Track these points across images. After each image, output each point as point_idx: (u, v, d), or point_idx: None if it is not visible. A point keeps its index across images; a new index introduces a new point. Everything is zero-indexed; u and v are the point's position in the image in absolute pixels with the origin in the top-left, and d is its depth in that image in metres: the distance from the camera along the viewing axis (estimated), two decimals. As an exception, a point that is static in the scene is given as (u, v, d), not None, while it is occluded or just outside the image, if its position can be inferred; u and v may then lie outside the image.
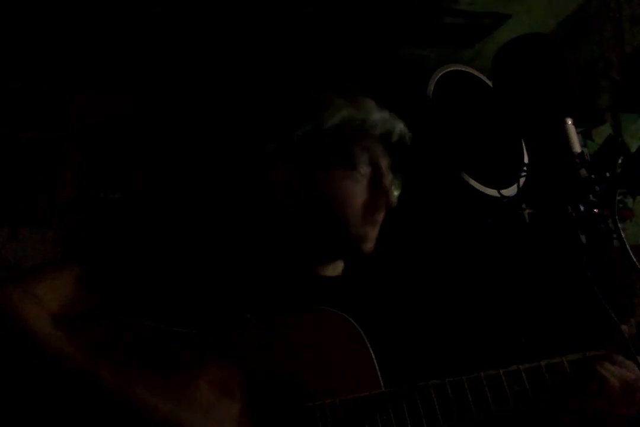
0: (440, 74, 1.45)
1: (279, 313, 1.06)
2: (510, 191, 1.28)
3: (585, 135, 2.34)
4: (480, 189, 1.43)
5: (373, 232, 1.17)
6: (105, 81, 2.90)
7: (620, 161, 1.06)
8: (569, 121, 1.10)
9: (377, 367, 1.01)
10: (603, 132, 2.36)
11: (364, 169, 1.15)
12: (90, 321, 1.05)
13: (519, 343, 1.66)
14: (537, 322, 1.69)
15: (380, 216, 1.17)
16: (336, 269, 1.25)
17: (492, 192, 1.41)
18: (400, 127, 1.18)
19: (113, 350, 0.99)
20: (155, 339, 1.03)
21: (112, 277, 1.09)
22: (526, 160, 1.19)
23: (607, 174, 1.03)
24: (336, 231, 1.15)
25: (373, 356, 1.01)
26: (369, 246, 1.17)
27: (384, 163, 1.18)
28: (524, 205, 1.09)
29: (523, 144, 1.27)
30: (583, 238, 1.04)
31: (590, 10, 2.57)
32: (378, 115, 1.17)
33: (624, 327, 1.03)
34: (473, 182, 1.42)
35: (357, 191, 1.15)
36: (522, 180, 1.17)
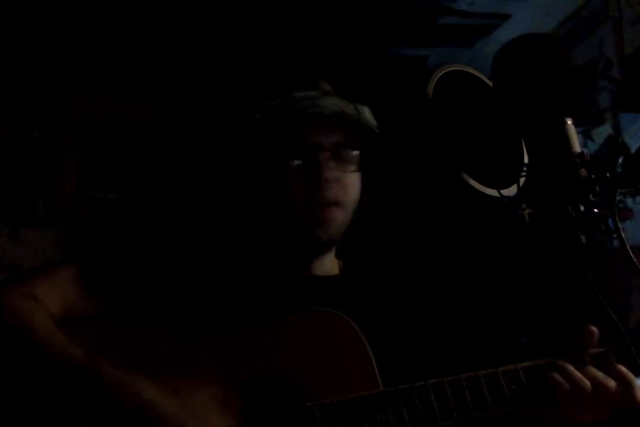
0: (440, 74, 1.45)
1: (278, 313, 1.06)
2: (510, 191, 1.28)
3: (585, 135, 2.34)
4: (480, 189, 1.42)
5: (324, 215, 1.14)
6: (105, 81, 2.90)
7: (620, 161, 1.06)
8: (569, 121, 1.11)
9: (375, 366, 1.01)
10: (603, 132, 2.36)
11: (297, 153, 1.14)
12: (91, 321, 1.05)
13: (519, 343, 1.66)
14: (537, 322, 1.69)
15: (322, 195, 1.13)
16: (334, 268, 1.25)
17: (492, 192, 1.41)
18: (331, 104, 1.14)
19: (113, 350, 0.99)
20: (154, 340, 1.03)
21: (112, 278, 1.09)
22: (526, 160, 1.20)
23: (607, 174, 1.03)
24: (291, 220, 1.15)
25: (371, 356, 1.01)
26: (321, 231, 1.14)
27: (327, 140, 1.16)
28: (524, 205, 1.09)
29: (523, 144, 1.27)
30: (583, 238, 1.04)
31: (590, 10, 2.57)
32: (301, 94, 1.15)
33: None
34: (473, 182, 1.42)
35: (291, 177, 1.14)
36: (522, 180, 1.17)
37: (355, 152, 1.18)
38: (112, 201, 2.91)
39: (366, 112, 1.18)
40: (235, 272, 1.14)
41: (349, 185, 1.17)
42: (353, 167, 1.18)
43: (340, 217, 1.16)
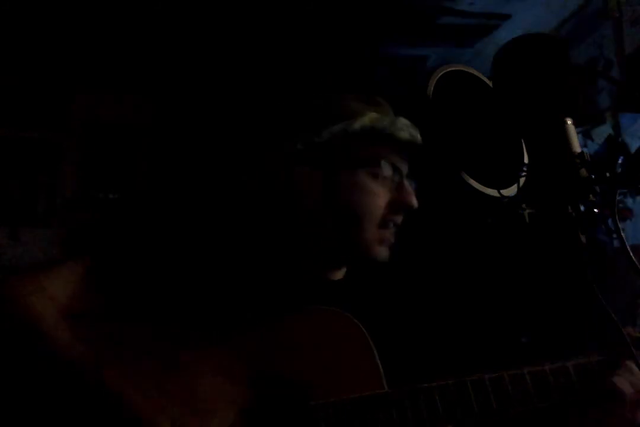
0: (440, 74, 1.44)
1: (282, 313, 1.06)
2: (510, 191, 1.28)
3: (585, 135, 2.34)
4: (480, 189, 1.42)
5: (388, 237, 1.16)
6: (105, 81, 2.90)
7: (620, 161, 1.06)
8: (569, 121, 1.11)
9: (380, 367, 1.01)
10: (603, 132, 2.36)
11: (387, 171, 1.16)
12: (96, 318, 1.05)
13: (520, 343, 1.66)
14: (537, 322, 1.69)
15: (398, 218, 1.17)
16: (340, 271, 1.25)
17: (492, 192, 1.41)
18: (418, 134, 1.20)
19: (118, 348, 0.99)
20: (157, 339, 1.03)
21: (117, 276, 1.09)
22: (526, 160, 1.19)
23: (607, 174, 1.03)
24: (352, 232, 1.15)
25: (376, 356, 1.01)
26: (382, 251, 1.16)
27: (404, 167, 1.20)
28: (524, 205, 1.09)
29: (523, 144, 1.27)
30: (583, 238, 1.04)
31: (590, 10, 2.57)
32: (403, 121, 1.19)
33: (628, 329, 1.03)
34: (473, 182, 1.42)
35: (380, 192, 1.16)
36: (522, 180, 1.17)
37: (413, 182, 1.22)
38: (112, 201, 2.91)
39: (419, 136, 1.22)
40: (241, 273, 1.14)
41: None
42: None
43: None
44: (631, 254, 0.97)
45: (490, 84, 1.43)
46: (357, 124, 1.15)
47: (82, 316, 1.05)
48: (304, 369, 1.00)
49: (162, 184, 2.92)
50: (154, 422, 0.93)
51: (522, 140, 1.25)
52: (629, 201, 2.24)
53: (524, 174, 1.14)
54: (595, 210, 1.05)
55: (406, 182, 1.18)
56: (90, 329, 1.02)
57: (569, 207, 1.04)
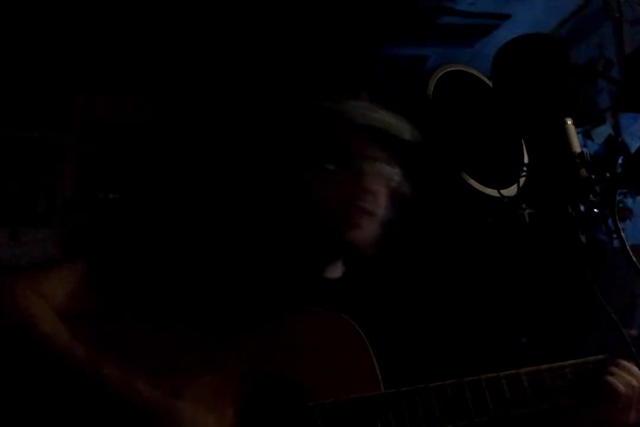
0: (440, 74, 1.44)
1: (280, 313, 1.06)
2: (510, 191, 1.28)
3: (585, 135, 2.34)
4: (480, 189, 1.42)
5: (384, 234, 1.16)
6: (106, 81, 2.90)
7: (620, 161, 1.06)
8: (569, 121, 1.10)
9: (377, 368, 1.01)
10: (603, 132, 2.36)
11: (387, 171, 1.18)
12: (96, 318, 1.05)
13: (520, 344, 1.66)
14: (537, 322, 1.69)
15: (396, 216, 1.18)
16: (337, 271, 1.25)
17: (492, 192, 1.41)
18: (417, 134, 1.20)
19: (115, 348, 0.99)
20: (157, 339, 1.03)
21: (116, 276, 1.09)
22: (526, 160, 1.19)
23: (607, 174, 1.03)
24: (350, 231, 1.15)
25: (373, 357, 1.02)
26: (355, 234, 1.15)
27: (404, 167, 1.20)
28: (524, 205, 1.09)
29: (523, 144, 1.27)
30: (583, 238, 1.04)
31: (590, 10, 2.57)
32: (403, 121, 1.20)
33: (628, 330, 1.03)
34: (473, 182, 1.42)
35: (379, 191, 1.17)
36: (522, 180, 1.17)
37: (397, 170, 1.21)
38: (112, 201, 2.91)
39: (410, 130, 1.21)
40: (240, 273, 1.14)
41: (384, 200, 1.19)
42: (392, 184, 1.20)
43: (369, 227, 1.17)
44: (631, 254, 0.97)
45: (490, 84, 1.43)
46: (357, 124, 1.16)
47: (82, 316, 1.05)
48: (303, 369, 1.00)
49: (162, 184, 2.92)
50: (156, 414, 0.93)
51: (522, 140, 1.25)
52: (629, 201, 2.24)
53: (524, 174, 1.14)
54: (595, 210, 1.05)
55: (405, 182, 1.19)
56: (90, 329, 1.02)
57: (569, 207, 1.04)
